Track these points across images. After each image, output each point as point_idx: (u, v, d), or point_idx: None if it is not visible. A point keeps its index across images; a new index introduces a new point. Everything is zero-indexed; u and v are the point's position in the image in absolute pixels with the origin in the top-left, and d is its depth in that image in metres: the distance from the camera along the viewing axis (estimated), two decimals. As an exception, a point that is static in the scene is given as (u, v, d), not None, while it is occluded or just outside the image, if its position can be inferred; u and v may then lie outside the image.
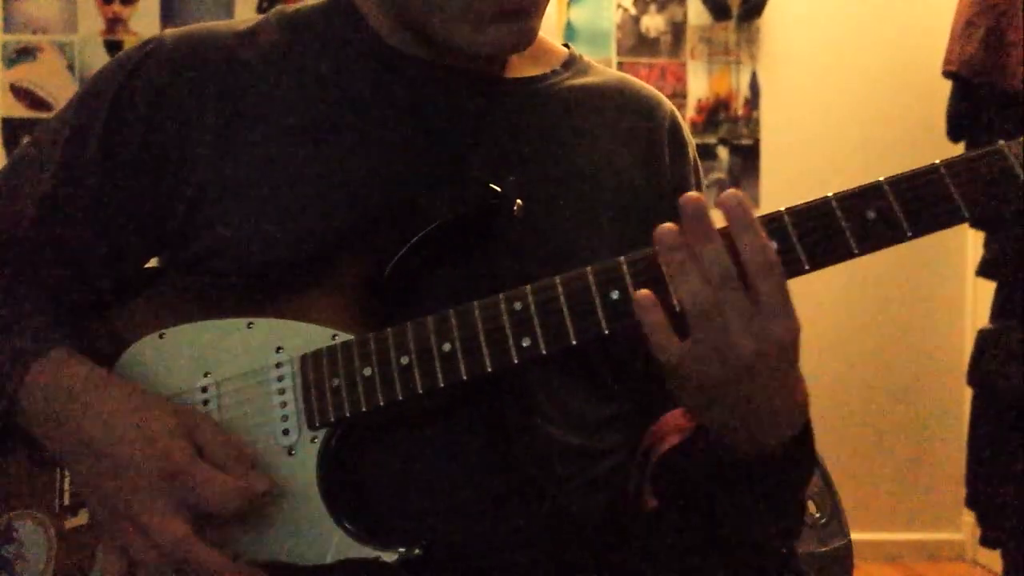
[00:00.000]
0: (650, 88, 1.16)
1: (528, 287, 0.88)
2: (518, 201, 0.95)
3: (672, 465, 0.99)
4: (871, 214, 0.81)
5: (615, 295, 0.86)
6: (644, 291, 0.83)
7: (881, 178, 0.82)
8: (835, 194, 0.82)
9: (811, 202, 0.83)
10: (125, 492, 0.89)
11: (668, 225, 0.83)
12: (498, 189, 0.94)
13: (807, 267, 0.82)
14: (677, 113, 1.16)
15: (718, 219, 0.83)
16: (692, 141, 1.16)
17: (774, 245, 0.81)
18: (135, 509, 0.88)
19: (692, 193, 0.83)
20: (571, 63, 1.12)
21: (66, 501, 0.99)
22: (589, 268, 0.87)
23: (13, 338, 0.96)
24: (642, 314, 0.83)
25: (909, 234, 0.81)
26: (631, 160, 1.09)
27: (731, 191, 0.82)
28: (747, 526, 0.96)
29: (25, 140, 3.22)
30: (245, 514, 0.90)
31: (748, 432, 0.88)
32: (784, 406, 0.87)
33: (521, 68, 1.09)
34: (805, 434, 0.91)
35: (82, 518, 0.98)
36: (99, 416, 0.92)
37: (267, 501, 0.92)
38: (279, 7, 1.10)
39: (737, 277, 0.81)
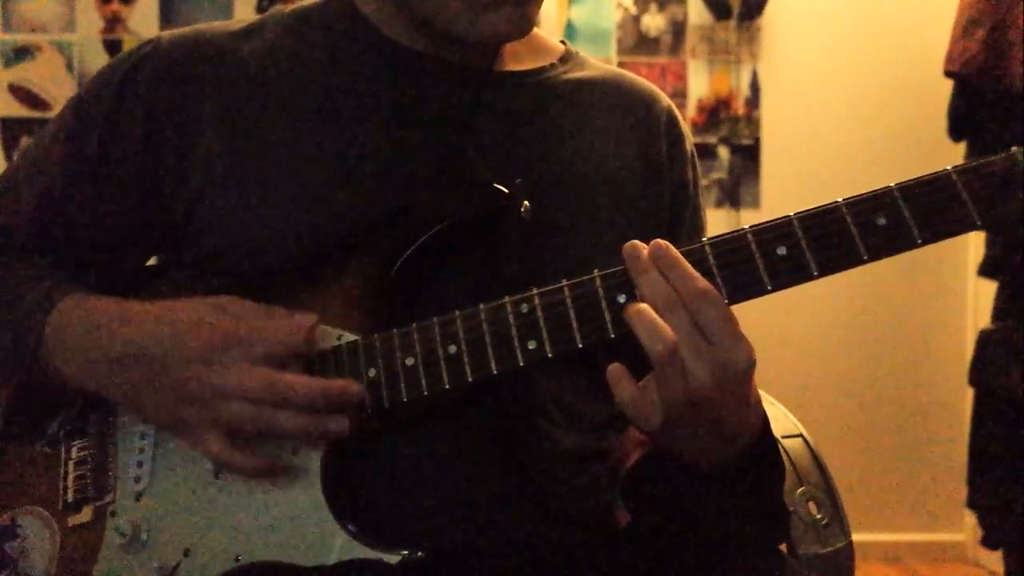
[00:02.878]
0: (646, 83, 1.17)
1: (535, 290, 0.88)
2: (525, 203, 0.95)
3: (639, 479, 1.00)
4: (882, 220, 0.81)
5: (622, 299, 0.85)
6: (615, 365, 0.84)
7: (892, 184, 0.81)
8: (845, 200, 0.82)
9: (821, 207, 0.83)
10: (193, 374, 0.90)
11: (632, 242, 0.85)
12: (506, 191, 0.94)
13: (816, 273, 0.82)
14: (674, 107, 1.16)
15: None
16: (689, 135, 1.16)
17: (702, 280, 0.83)
18: (212, 380, 0.89)
19: (630, 242, 0.85)
20: (568, 58, 1.13)
21: (69, 498, 1.00)
22: (596, 272, 0.87)
23: (30, 291, 0.98)
24: (613, 384, 0.85)
25: (919, 241, 0.81)
26: (628, 154, 1.09)
27: (655, 241, 0.84)
28: (723, 528, 0.95)
29: (26, 141, 3.23)
30: (312, 349, 0.91)
31: (707, 452, 0.90)
32: (742, 423, 0.89)
33: (518, 62, 1.09)
34: (763, 435, 0.92)
35: (85, 515, 0.99)
36: (136, 326, 0.93)
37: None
38: (277, 7, 1.10)
39: (679, 303, 0.82)
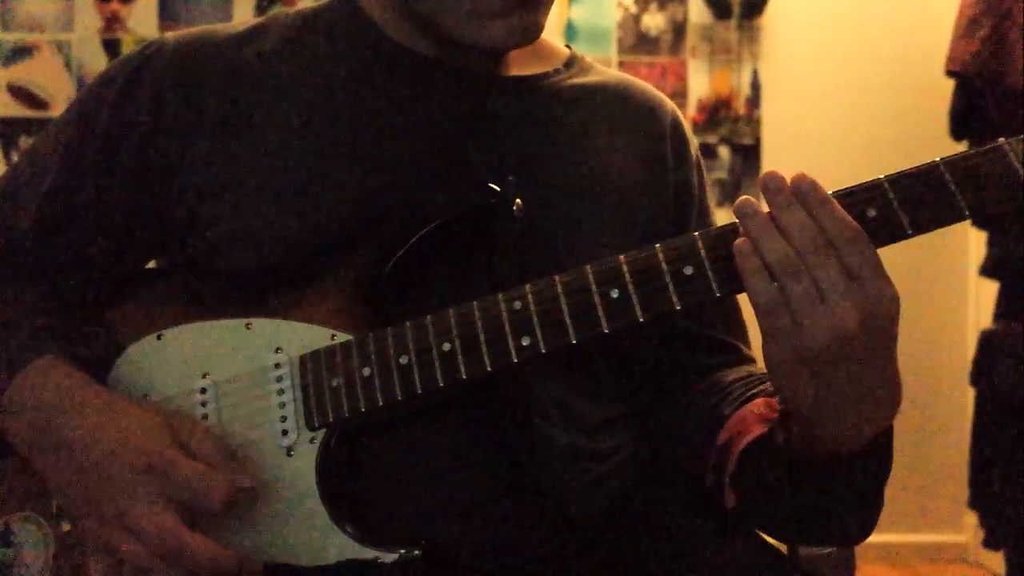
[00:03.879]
0: (651, 88, 1.17)
1: (527, 286, 0.88)
2: (517, 200, 0.95)
3: (755, 459, 0.95)
4: (872, 212, 0.81)
5: (615, 294, 0.85)
6: (743, 240, 0.81)
7: (882, 176, 0.82)
8: (835, 192, 0.82)
9: None
10: (107, 492, 0.88)
11: (745, 197, 0.82)
12: (497, 188, 0.94)
13: None
14: (679, 113, 1.16)
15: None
16: (694, 140, 1.16)
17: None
18: (119, 507, 0.87)
19: (771, 171, 0.82)
20: (572, 63, 1.13)
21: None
22: (589, 267, 0.87)
23: (9, 339, 0.96)
24: (741, 260, 0.81)
25: (910, 232, 0.81)
26: (632, 159, 1.09)
27: (801, 174, 0.81)
28: (827, 521, 0.93)
29: (24, 140, 3.23)
30: (230, 513, 0.88)
31: (839, 422, 0.85)
32: (882, 394, 0.85)
33: (523, 66, 1.09)
34: (888, 430, 0.89)
35: (74, 533, 0.98)
36: (79, 421, 0.91)
37: (255, 500, 0.91)
38: (280, 8, 1.10)
39: (825, 245, 0.79)
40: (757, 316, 0.81)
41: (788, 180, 0.82)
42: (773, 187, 0.82)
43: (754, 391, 1.02)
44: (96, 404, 0.92)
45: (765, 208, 0.82)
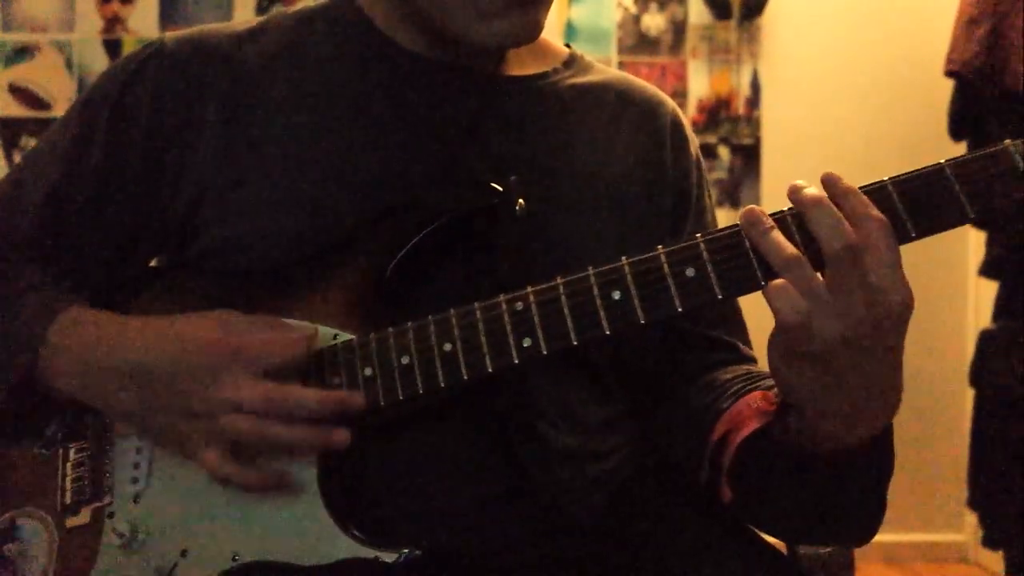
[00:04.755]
0: (651, 87, 1.16)
1: (529, 288, 0.88)
2: (520, 200, 0.95)
3: (752, 453, 0.94)
4: None
5: (617, 296, 0.85)
6: (751, 207, 0.81)
7: (885, 178, 0.81)
8: None
9: None
10: (195, 388, 0.90)
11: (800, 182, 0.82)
12: (499, 188, 0.94)
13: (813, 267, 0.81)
14: (679, 112, 1.16)
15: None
16: (695, 139, 1.15)
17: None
18: (213, 393, 0.89)
19: (830, 172, 0.82)
20: (572, 62, 1.13)
21: (67, 500, 1.00)
22: (591, 269, 0.87)
23: (29, 303, 0.98)
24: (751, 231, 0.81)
25: (913, 235, 0.81)
26: (632, 158, 1.09)
27: (829, 173, 0.81)
28: (824, 519, 0.93)
29: (25, 140, 3.23)
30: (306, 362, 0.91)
31: (837, 419, 0.85)
32: (883, 394, 0.84)
33: (522, 66, 1.09)
34: (887, 429, 0.89)
35: (83, 517, 0.98)
36: (137, 343, 0.93)
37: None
38: (279, 8, 1.10)
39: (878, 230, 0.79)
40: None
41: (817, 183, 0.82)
42: (829, 182, 0.82)
43: (752, 387, 1.01)
44: (138, 327, 0.95)
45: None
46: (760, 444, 0.93)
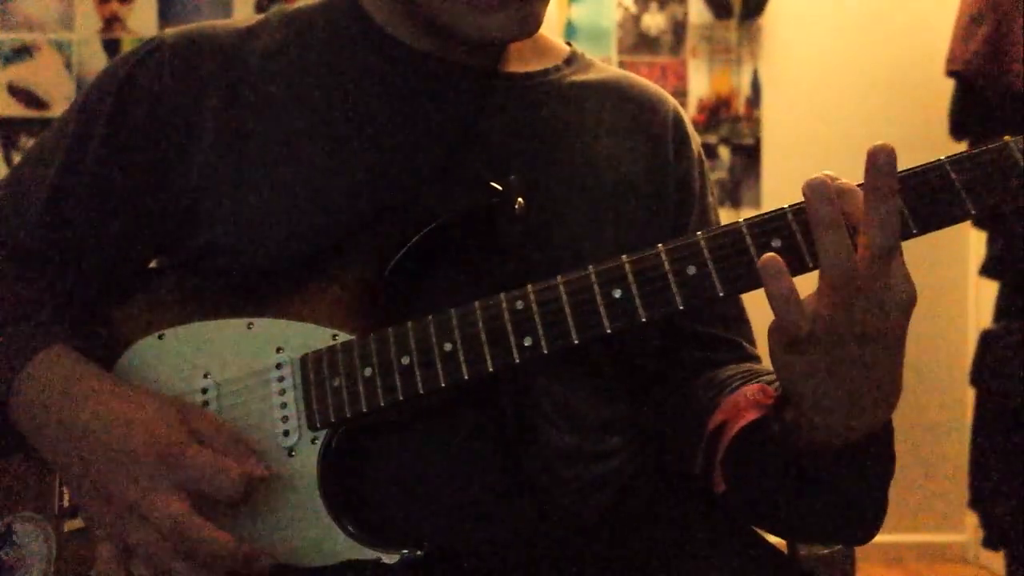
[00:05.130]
0: (653, 85, 1.16)
1: (530, 286, 0.88)
2: (519, 199, 0.95)
3: (747, 445, 0.93)
4: None
5: (617, 294, 0.85)
6: (771, 255, 0.79)
7: None
8: None
9: None
10: (119, 477, 0.87)
11: (827, 174, 0.80)
12: (499, 187, 0.94)
13: (812, 265, 0.81)
14: (680, 109, 1.15)
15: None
16: (696, 138, 1.15)
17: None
18: (130, 492, 0.86)
19: (884, 144, 0.78)
20: (573, 59, 1.13)
21: (66, 503, 0.99)
22: (591, 267, 0.86)
23: (17, 331, 0.96)
24: (771, 282, 0.79)
25: (915, 231, 0.80)
26: (633, 156, 1.09)
27: (881, 145, 0.77)
28: (820, 515, 0.92)
29: (24, 140, 3.23)
30: (243, 504, 0.88)
31: (834, 414, 0.84)
32: (883, 390, 0.84)
33: (524, 63, 1.09)
34: (887, 429, 0.89)
35: (80, 520, 0.98)
36: (93, 407, 0.91)
37: (264, 494, 0.91)
38: (280, 6, 1.10)
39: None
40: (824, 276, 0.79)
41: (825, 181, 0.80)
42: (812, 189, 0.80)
43: (754, 381, 1.01)
44: (108, 390, 0.92)
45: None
46: (756, 436, 0.92)
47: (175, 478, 0.86)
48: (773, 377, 0.94)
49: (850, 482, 0.89)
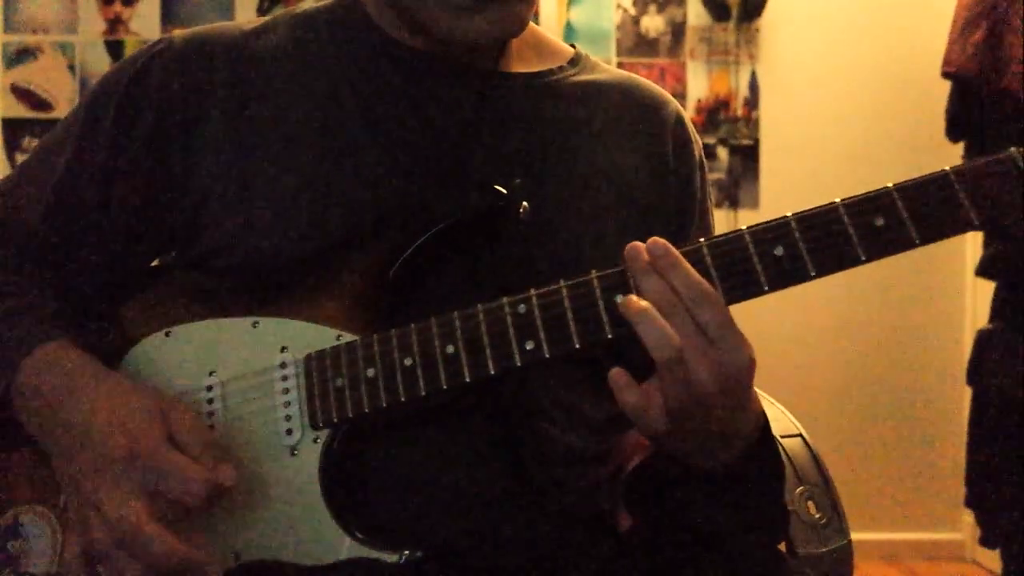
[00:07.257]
0: (656, 87, 1.16)
1: (532, 291, 0.88)
2: (524, 204, 0.95)
3: (641, 482, 0.99)
4: (879, 221, 0.80)
5: (619, 299, 0.85)
6: (617, 369, 0.84)
7: (890, 184, 0.81)
8: (843, 200, 0.81)
9: (818, 208, 0.83)
10: (90, 471, 0.88)
11: (657, 240, 0.84)
12: (504, 191, 0.94)
13: (813, 274, 0.82)
14: (683, 112, 1.15)
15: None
16: (698, 140, 1.15)
17: (702, 280, 0.83)
18: (95, 488, 0.87)
19: (631, 244, 0.84)
20: (577, 61, 1.12)
21: (71, 497, 1.00)
22: (593, 272, 0.86)
23: (19, 324, 0.97)
24: (616, 390, 0.84)
25: (917, 241, 0.80)
26: (635, 158, 1.09)
27: (654, 240, 0.84)
28: (723, 528, 0.95)
29: (28, 141, 3.23)
30: (211, 508, 0.88)
31: (707, 453, 0.90)
32: (739, 425, 0.89)
33: (526, 63, 1.08)
34: (763, 436, 0.92)
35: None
36: (83, 400, 0.91)
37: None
38: (281, 8, 1.11)
39: (680, 305, 0.82)
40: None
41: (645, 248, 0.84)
42: (630, 257, 0.84)
43: None
44: (98, 387, 0.92)
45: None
46: (646, 473, 0.99)
47: (139, 479, 0.86)
48: None
49: (738, 491, 0.93)
